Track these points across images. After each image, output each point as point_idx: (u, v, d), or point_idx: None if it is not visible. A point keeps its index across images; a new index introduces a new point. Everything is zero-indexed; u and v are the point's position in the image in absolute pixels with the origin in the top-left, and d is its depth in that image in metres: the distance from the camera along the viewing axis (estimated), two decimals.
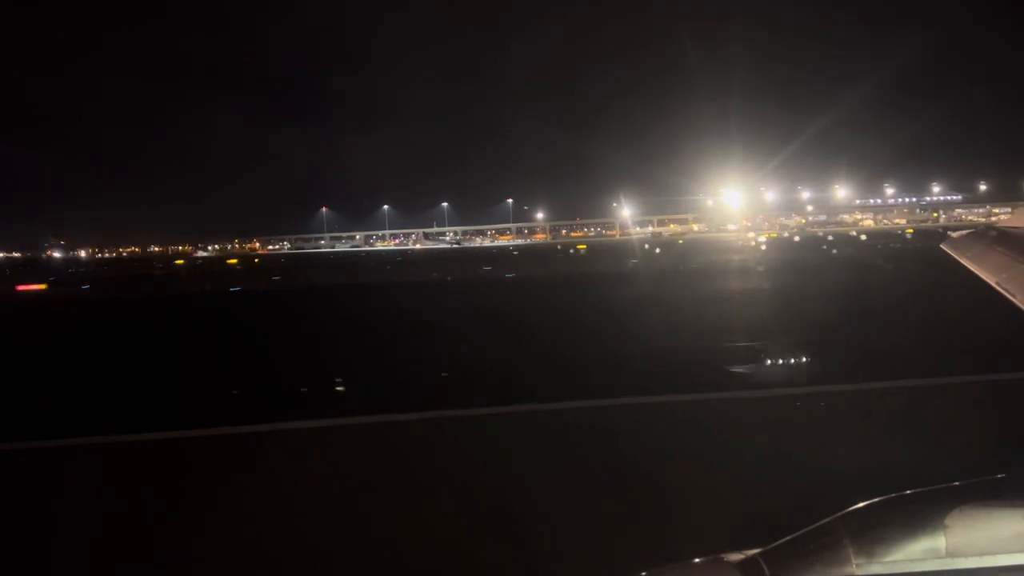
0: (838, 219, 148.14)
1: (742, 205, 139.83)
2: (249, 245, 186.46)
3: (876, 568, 1.83)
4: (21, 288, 70.02)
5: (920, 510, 1.91)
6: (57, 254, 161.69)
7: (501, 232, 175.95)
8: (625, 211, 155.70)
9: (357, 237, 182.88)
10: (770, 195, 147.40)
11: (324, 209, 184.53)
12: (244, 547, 5.25)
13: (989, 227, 7.97)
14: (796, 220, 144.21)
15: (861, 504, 2.01)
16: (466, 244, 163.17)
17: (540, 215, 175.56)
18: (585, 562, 4.77)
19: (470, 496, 5.58)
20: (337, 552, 5.15)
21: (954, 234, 5.90)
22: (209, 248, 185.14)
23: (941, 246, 5.67)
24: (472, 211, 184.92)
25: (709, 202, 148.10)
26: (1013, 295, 3.91)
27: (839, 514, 2.00)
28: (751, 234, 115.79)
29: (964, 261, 4.75)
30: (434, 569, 5.03)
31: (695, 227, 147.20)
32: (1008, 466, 2.15)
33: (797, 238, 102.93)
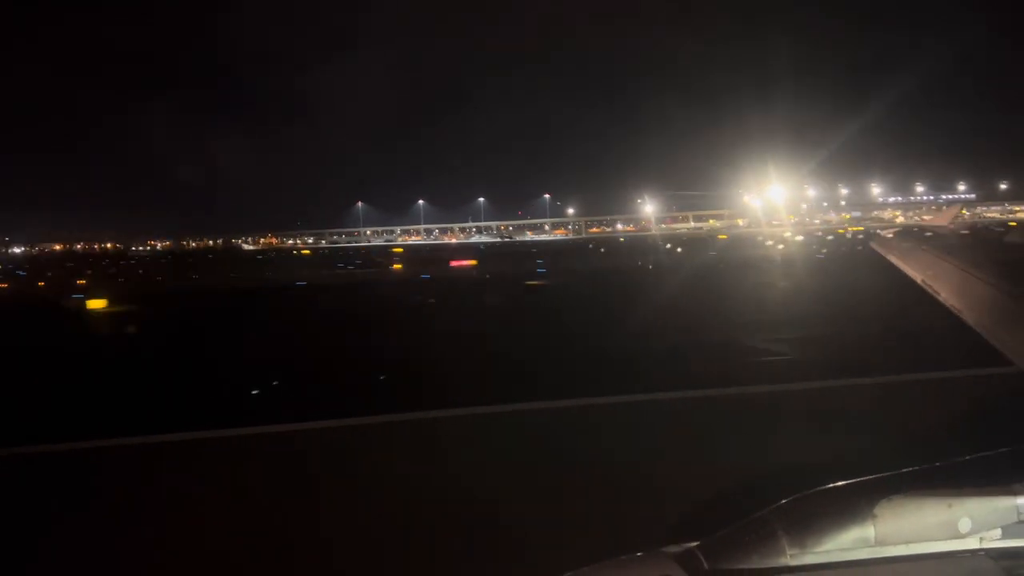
0: (872, 215, 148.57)
1: (785, 201, 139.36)
2: (265, 240, 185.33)
3: (809, 558, 1.88)
4: (455, 264, 75.69)
5: (850, 501, 1.95)
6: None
7: (529, 227, 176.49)
8: (659, 206, 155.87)
9: (368, 232, 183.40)
10: (811, 192, 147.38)
11: (360, 204, 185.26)
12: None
13: (914, 226, 8.29)
14: (840, 216, 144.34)
15: (795, 496, 2.06)
16: (517, 238, 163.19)
17: (571, 210, 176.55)
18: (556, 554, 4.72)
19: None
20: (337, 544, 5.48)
21: (883, 232, 6.08)
22: (249, 242, 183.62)
23: (871, 244, 5.74)
24: (505, 206, 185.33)
25: (745, 198, 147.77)
26: (937, 292, 3.97)
27: (774, 506, 2.04)
28: (788, 233, 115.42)
29: (892, 259, 4.80)
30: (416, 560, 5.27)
31: (740, 222, 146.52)
32: (938, 457, 2.21)
33: (829, 236, 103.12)
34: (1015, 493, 1.97)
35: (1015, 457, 2.19)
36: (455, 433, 6.81)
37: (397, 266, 78.18)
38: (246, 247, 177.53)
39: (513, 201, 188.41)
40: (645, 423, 6.74)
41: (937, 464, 2.16)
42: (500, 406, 7.42)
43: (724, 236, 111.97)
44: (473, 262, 77.29)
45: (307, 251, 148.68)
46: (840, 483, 2.06)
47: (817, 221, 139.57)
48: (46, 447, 6.74)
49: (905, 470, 2.11)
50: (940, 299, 3.91)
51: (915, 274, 4.31)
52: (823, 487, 2.05)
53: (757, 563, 1.88)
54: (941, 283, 4.00)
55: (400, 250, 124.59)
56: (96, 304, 47.86)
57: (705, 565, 1.92)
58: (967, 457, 2.21)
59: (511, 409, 7.38)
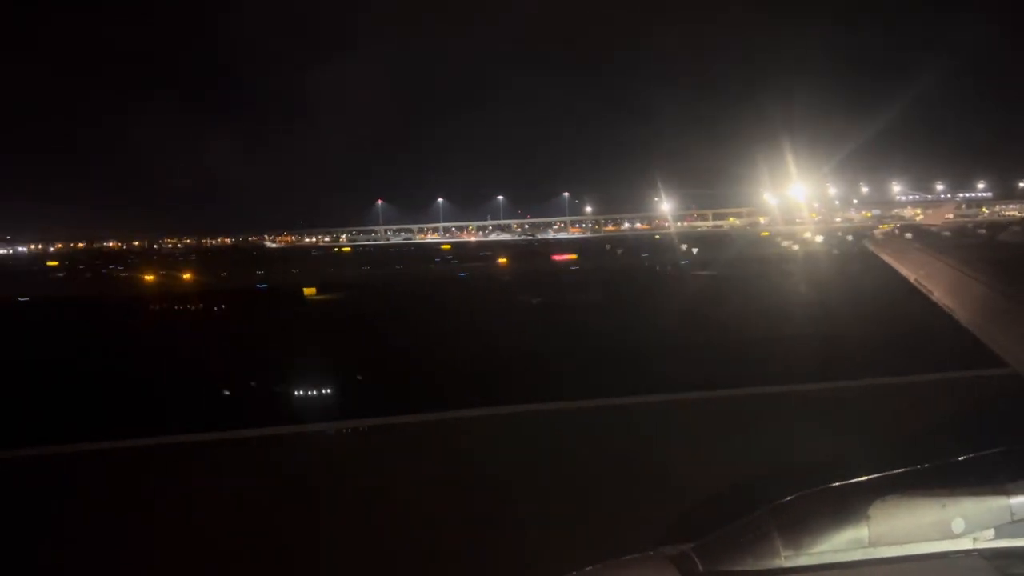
0: (892, 213, 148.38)
1: (807, 199, 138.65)
2: (281, 238, 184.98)
3: (803, 559, 1.88)
4: (556, 258, 77.38)
5: (844, 502, 1.95)
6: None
7: (543, 225, 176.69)
8: (676, 204, 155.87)
9: (382, 231, 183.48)
10: (832, 190, 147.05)
11: (380, 202, 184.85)
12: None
13: (908, 226, 8.20)
14: (863, 215, 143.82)
15: (789, 497, 2.06)
16: (540, 236, 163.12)
17: (589, 208, 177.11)
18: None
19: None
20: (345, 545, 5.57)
21: (876, 232, 6.06)
22: (268, 240, 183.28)
23: (864, 243, 5.74)
24: (517, 205, 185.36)
25: (765, 196, 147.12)
26: (930, 292, 3.96)
27: (768, 507, 2.04)
28: (807, 233, 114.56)
29: (886, 258, 4.81)
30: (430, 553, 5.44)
31: (762, 220, 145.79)
32: (935, 457, 2.22)
33: (848, 236, 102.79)
34: (1008, 493, 1.96)
35: (1008, 457, 2.19)
36: (464, 434, 6.84)
37: (503, 260, 78.42)
38: (270, 245, 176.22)
39: (522, 200, 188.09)
40: (649, 424, 6.81)
41: (930, 464, 2.17)
42: (508, 407, 7.51)
43: (766, 233, 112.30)
44: (574, 256, 78.65)
45: (347, 248, 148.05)
46: (834, 484, 2.06)
47: (839, 219, 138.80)
48: (54, 448, 6.82)
49: (899, 470, 2.11)
50: (933, 298, 3.92)
51: (908, 273, 4.32)
52: (817, 488, 2.06)
53: (751, 565, 1.88)
54: (934, 282, 4.00)
55: (448, 247, 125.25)
56: (310, 291, 49.18)
57: (700, 567, 1.91)
58: (960, 457, 2.21)
59: (520, 411, 7.46)
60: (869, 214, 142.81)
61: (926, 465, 2.18)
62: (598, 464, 6.20)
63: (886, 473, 2.11)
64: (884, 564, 1.88)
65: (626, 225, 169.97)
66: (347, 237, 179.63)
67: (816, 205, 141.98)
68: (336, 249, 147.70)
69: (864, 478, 2.08)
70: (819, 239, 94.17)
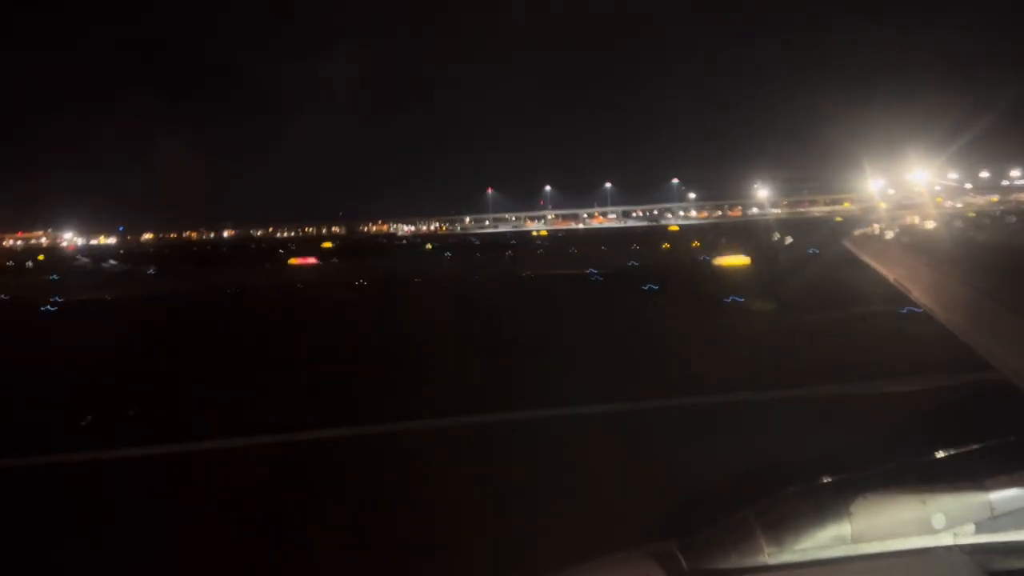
0: (1011, 198, 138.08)
1: (927, 185, 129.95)
2: (376, 228, 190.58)
3: (787, 556, 1.88)
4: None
5: (826, 499, 1.96)
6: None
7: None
8: (781, 191, 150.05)
9: (467, 220, 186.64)
10: (952, 175, 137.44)
11: (489, 191, 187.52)
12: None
13: (885, 228, 7.65)
14: (989, 200, 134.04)
15: (772, 496, 2.07)
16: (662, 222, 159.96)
17: (692, 195, 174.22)
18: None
19: None
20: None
21: (856, 232, 5.92)
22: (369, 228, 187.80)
23: (844, 243, 5.37)
24: (633, 192, 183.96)
25: (873, 180, 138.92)
26: (909, 291, 3.92)
27: (752, 506, 2.05)
28: (915, 218, 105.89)
29: (865, 258, 4.74)
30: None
31: (883, 205, 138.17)
32: (915, 454, 2.25)
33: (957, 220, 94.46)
34: (987, 488, 1.97)
35: (987, 452, 2.22)
36: (482, 438, 7.87)
37: None
38: (401, 232, 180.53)
39: (626, 187, 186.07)
40: (639, 426, 7.47)
41: (910, 461, 2.19)
42: (523, 412, 8.52)
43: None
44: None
45: (544, 232, 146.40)
46: (816, 482, 2.08)
47: (959, 204, 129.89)
48: (133, 450, 8.19)
49: (880, 467, 2.11)
50: (912, 298, 3.97)
51: (887, 273, 4.42)
52: (800, 485, 2.07)
53: (736, 562, 1.89)
54: (912, 282, 4.02)
55: (676, 228, 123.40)
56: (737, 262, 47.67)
57: (685, 565, 1.92)
58: (940, 454, 2.24)
59: (531, 416, 8.37)
60: (996, 199, 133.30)
61: (906, 462, 2.18)
62: (586, 464, 6.55)
63: (867, 470, 2.10)
64: (866, 560, 1.89)
65: (685, 212, 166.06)
66: (459, 227, 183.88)
67: (937, 189, 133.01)
68: (534, 232, 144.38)
69: (845, 476, 2.08)
70: (930, 225, 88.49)
